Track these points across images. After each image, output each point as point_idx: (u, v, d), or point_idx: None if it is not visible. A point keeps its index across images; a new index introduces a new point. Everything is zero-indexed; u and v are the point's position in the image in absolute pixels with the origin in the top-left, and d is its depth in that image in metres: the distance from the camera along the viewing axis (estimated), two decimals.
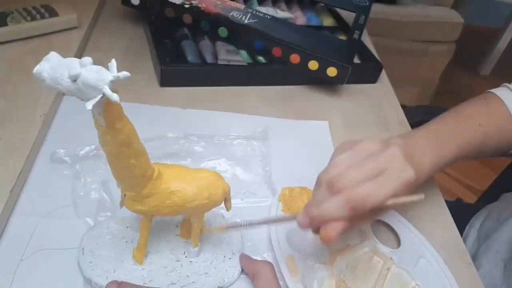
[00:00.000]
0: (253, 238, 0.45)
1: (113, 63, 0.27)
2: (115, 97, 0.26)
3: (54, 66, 0.27)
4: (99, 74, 0.26)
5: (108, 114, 0.29)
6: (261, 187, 0.51)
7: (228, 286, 0.41)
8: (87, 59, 0.27)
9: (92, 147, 0.48)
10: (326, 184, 0.38)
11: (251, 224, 0.40)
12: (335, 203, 0.37)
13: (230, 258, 0.42)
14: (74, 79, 0.26)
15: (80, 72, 0.26)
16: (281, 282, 0.42)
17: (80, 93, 0.27)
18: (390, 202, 0.37)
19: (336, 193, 0.37)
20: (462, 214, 0.73)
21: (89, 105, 0.26)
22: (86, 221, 0.43)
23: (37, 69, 0.27)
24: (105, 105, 0.28)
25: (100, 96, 0.26)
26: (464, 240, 0.68)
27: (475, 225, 0.70)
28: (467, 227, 0.71)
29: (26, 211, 0.43)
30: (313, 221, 0.38)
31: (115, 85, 0.26)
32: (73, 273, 0.39)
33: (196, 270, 0.41)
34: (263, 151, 0.55)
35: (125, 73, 0.27)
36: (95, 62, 0.27)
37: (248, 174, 0.52)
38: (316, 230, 0.38)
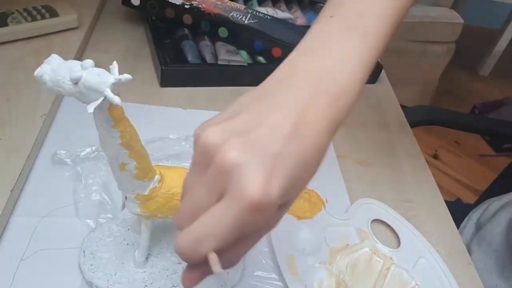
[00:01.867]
0: None
1: (115, 65, 0.27)
2: (116, 100, 0.26)
3: (55, 68, 0.27)
4: (101, 77, 0.26)
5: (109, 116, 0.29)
6: None
7: None
8: (89, 62, 0.26)
9: (93, 148, 0.48)
10: None
11: None
12: None
13: None
14: (76, 82, 0.26)
15: (81, 75, 0.26)
16: (280, 283, 0.42)
17: (82, 96, 0.27)
18: None
19: None
20: (461, 215, 0.73)
21: (91, 108, 0.26)
22: (87, 223, 0.43)
23: (38, 72, 0.27)
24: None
25: (101, 99, 0.26)
26: (460, 233, 0.69)
27: (473, 218, 0.70)
28: (465, 219, 0.71)
29: (26, 211, 0.43)
30: None
31: (116, 87, 0.26)
32: (73, 274, 0.39)
33: None
34: None
35: (126, 76, 0.27)
36: (95, 62, 0.27)
37: None
38: None
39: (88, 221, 0.43)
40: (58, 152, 0.48)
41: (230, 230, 0.24)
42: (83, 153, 0.48)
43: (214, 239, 0.25)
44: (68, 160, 0.47)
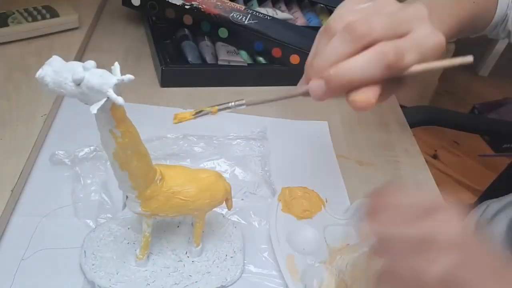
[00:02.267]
0: (254, 238, 0.45)
1: (117, 66, 0.27)
2: (120, 100, 0.26)
3: (57, 70, 0.27)
4: (103, 78, 0.26)
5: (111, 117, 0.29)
6: (261, 187, 0.51)
7: (230, 285, 0.41)
8: (91, 63, 0.27)
9: (91, 148, 0.48)
10: (346, 29, 0.28)
11: (247, 104, 0.33)
12: (366, 58, 0.28)
13: (231, 257, 0.42)
14: (78, 83, 0.26)
15: (83, 76, 0.26)
16: (279, 280, 0.42)
17: (84, 97, 0.27)
18: (423, 66, 0.30)
19: (363, 41, 0.28)
20: None
21: (94, 108, 0.26)
22: (87, 223, 0.43)
23: (39, 73, 0.27)
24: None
25: (104, 99, 0.26)
26: None
27: (472, 219, 0.70)
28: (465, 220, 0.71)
29: (27, 211, 0.43)
30: (333, 84, 0.29)
31: (119, 88, 0.26)
32: (74, 273, 0.39)
33: (198, 270, 0.41)
34: (262, 151, 0.55)
35: (129, 76, 0.27)
36: (96, 63, 0.27)
37: (247, 174, 0.52)
38: (333, 94, 0.30)
39: (88, 221, 0.43)
40: (56, 153, 0.48)
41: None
42: (81, 153, 0.48)
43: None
44: (66, 160, 0.47)
